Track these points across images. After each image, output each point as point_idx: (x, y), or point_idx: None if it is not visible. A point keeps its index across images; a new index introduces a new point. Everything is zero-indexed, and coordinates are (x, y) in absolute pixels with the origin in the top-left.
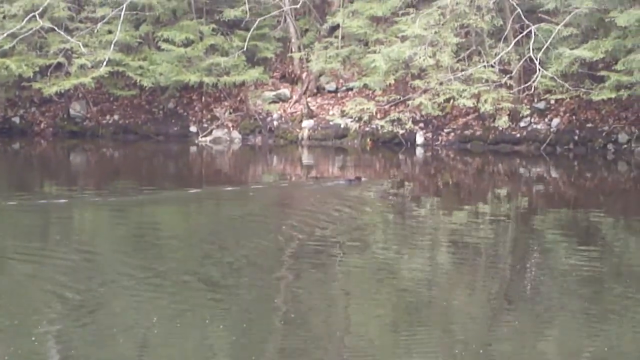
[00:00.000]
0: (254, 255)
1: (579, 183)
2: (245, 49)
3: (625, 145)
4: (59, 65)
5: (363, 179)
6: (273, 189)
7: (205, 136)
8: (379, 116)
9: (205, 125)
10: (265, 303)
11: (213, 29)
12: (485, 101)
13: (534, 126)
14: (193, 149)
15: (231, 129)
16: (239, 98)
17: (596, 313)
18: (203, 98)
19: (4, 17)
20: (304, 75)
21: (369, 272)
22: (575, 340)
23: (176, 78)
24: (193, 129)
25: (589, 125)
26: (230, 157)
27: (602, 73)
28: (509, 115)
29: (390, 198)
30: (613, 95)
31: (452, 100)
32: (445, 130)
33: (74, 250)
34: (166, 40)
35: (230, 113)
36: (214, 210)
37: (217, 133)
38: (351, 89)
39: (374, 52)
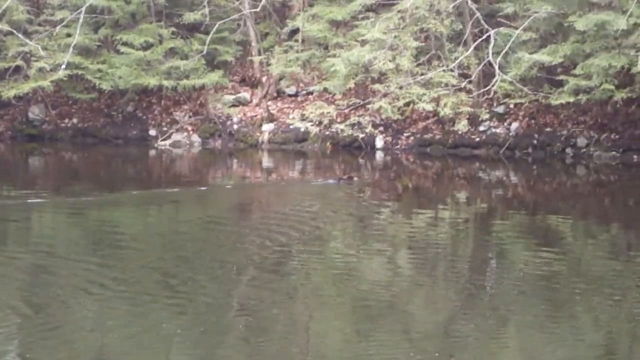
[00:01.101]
0: (215, 259)
1: (537, 187)
2: (205, 52)
3: (584, 150)
4: (18, 69)
5: (355, 178)
6: (238, 189)
7: (164, 140)
8: (339, 120)
9: (165, 128)
10: (224, 307)
11: (172, 33)
12: (445, 105)
13: (493, 130)
14: (152, 152)
15: (191, 132)
16: (198, 102)
17: (556, 316)
18: (162, 101)
19: None
20: (264, 78)
21: (329, 277)
22: (535, 345)
23: (135, 81)
24: (152, 132)
25: (548, 129)
26: (190, 160)
27: (561, 77)
28: (468, 119)
29: (352, 202)
30: (572, 100)
31: (411, 104)
32: (405, 134)
33: (31, 252)
34: (125, 44)
35: (189, 117)
36: (174, 213)
37: (176, 137)
38: (311, 93)
39: (334, 56)
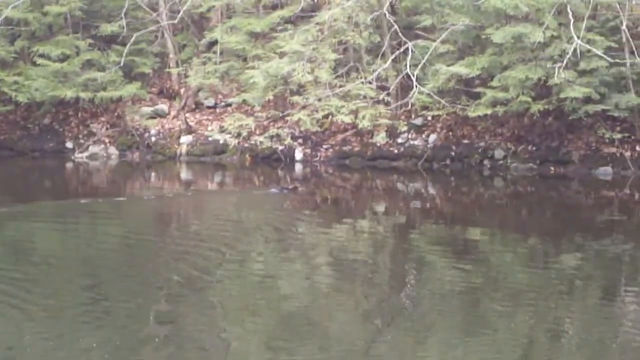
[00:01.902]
0: (133, 271)
1: (455, 199)
2: (122, 64)
3: (501, 161)
4: None
5: (300, 188)
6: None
7: (81, 152)
8: (257, 132)
9: (82, 141)
10: (142, 321)
11: (89, 44)
12: (363, 117)
13: (412, 142)
14: (69, 165)
15: (108, 144)
16: (116, 114)
17: (474, 329)
18: (79, 114)
19: None
20: (182, 90)
21: (248, 291)
22: (456, 357)
23: (52, 93)
24: (69, 145)
25: (466, 141)
26: (107, 172)
27: (479, 89)
28: (386, 131)
29: (270, 215)
30: (489, 112)
31: (330, 116)
32: (324, 146)
33: None
34: (42, 56)
35: (107, 129)
36: (91, 225)
37: (93, 149)
38: (230, 105)
39: (253, 67)
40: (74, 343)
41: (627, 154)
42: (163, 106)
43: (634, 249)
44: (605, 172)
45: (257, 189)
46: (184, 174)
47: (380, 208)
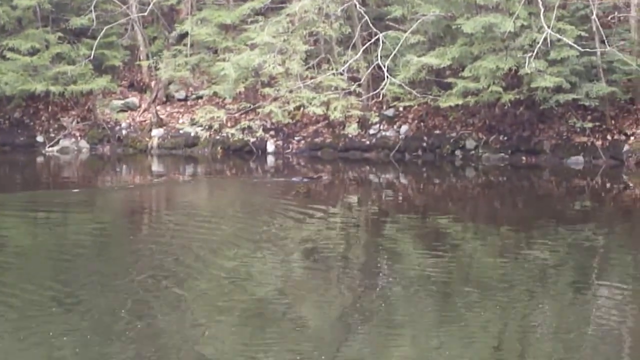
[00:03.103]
0: (105, 265)
1: (427, 189)
2: (92, 57)
3: (473, 152)
4: None
5: (325, 177)
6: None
7: (52, 146)
8: (229, 124)
9: (53, 134)
10: (113, 315)
11: (59, 38)
12: (335, 109)
13: (383, 133)
14: (40, 159)
15: (79, 138)
16: (86, 107)
17: (447, 320)
18: (50, 107)
19: None
20: (152, 83)
21: (221, 285)
22: (428, 351)
23: (22, 87)
24: (40, 138)
25: (437, 131)
26: (78, 166)
27: (450, 80)
28: (358, 122)
29: (241, 207)
30: (460, 102)
31: (302, 108)
32: (296, 138)
33: None
34: (11, 49)
35: (77, 122)
36: (62, 217)
37: (64, 143)
38: (201, 97)
39: (224, 60)
40: (45, 337)
41: (598, 143)
42: (134, 99)
43: (605, 238)
44: (577, 161)
45: (280, 177)
46: (156, 167)
47: (353, 200)
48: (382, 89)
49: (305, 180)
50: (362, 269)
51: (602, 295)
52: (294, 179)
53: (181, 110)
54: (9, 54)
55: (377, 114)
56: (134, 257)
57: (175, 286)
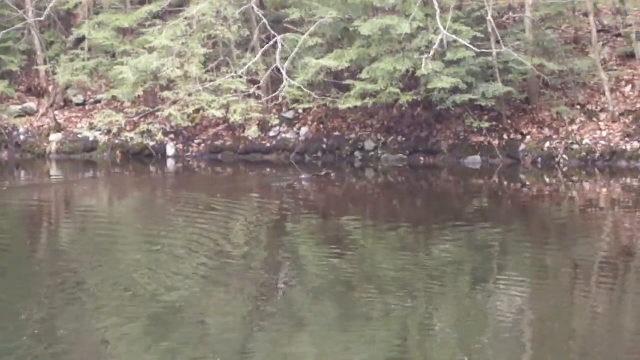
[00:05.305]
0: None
1: (327, 190)
2: None
3: (372, 153)
4: None
5: (332, 175)
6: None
7: None
8: (128, 128)
9: None
10: (14, 316)
11: None
12: (235, 112)
13: (283, 135)
14: None
15: None
16: None
17: (348, 321)
18: None
19: None
20: (50, 88)
21: (122, 289)
22: (331, 349)
23: None
24: None
25: (337, 133)
26: None
27: (348, 82)
28: (258, 125)
29: (141, 210)
30: (359, 104)
31: (201, 111)
32: (196, 141)
33: None
34: None
35: None
36: None
37: None
38: (99, 101)
39: (122, 63)
40: None
41: (495, 142)
42: (31, 104)
43: (503, 235)
44: (474, 160)
45: (288, 176)
46: (54, 172)
47: (254, 202)
48: (281, 91)
49: (314, 177)
50: (263, 270)
51: (500, 291)
52: (302, 176)
53: (80, 114)
54: None
55: (276, 116)
56: (41, 258)
57: (80, 287)
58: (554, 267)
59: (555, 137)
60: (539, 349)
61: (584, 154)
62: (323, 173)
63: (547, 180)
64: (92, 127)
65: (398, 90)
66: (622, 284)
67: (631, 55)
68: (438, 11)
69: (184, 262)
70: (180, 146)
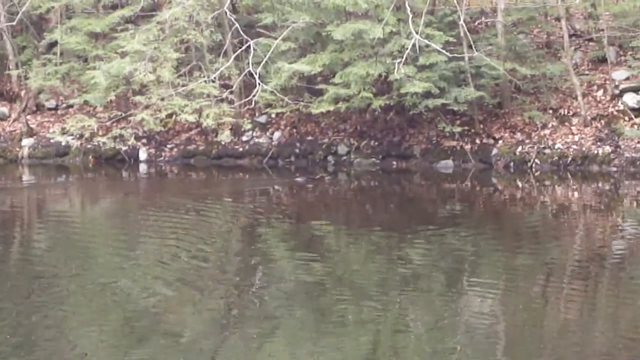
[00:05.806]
0: None
1: (300, 195)
2: None
3: (345, 157)
4: None
5: (327, 178)
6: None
7: None
8: (100, 133)
9: None
10: None
11: None
12: (207, 116)
13: (256, 140)
14: None
15: None
16: None
17: (321, 325)
18: None
19: None
20: (22, 92)
21: (92, 294)
22: (303, 353)
23: None
24: None
25: (310, 138)
26: None
27: (321, 86)
28: (231, 129)
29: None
30: (331, 108)
31: (174, 116)
32: (169, 146)
33: None
34: None
35: None
36: None
37: None
38: (72, 106)
39: (94, 68)
40: None
41: (467, 147)
42: (3, 109)
43: (475, 239)
44: (446, 165)
45: (284, 178)
46: (26, 177)
47: (225, 206)
48: (253, 95)
49: (309, 179)
50: (236, 275)
51: (473, 295)
52: (297, 179)
53: (52, 119)
54: None
55: (249, 120)
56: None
57: (52, 294)
58: (525, 270)
59: (527, 141)
60: (511, 351)
61: (556, 158)
62: (318, 176)
63: (519, 184)
64: (64, 132)
65: (371, 95)
66: (593, 286)
67: (603, 60)
68: (410, 16)
69: (159, 266)
70: (152, 151)
